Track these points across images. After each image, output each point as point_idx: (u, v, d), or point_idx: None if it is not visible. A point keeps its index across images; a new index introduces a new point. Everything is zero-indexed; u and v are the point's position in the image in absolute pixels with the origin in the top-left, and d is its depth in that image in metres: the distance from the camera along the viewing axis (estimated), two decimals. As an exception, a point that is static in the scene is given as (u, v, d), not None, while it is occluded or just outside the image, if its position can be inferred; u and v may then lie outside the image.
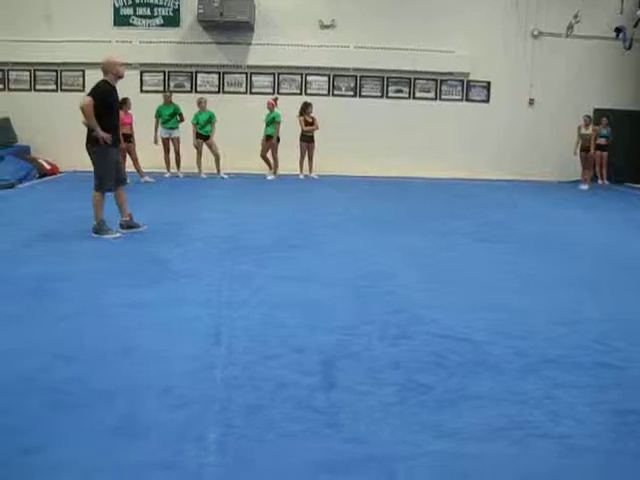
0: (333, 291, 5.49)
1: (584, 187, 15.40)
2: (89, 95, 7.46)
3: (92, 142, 7.54)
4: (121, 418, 3.11)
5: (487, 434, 3.08)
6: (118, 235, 7.66)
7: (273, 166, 14.78)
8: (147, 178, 13.20)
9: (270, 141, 14.52)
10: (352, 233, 8.31)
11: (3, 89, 16.11)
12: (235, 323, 4.56)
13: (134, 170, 12.98)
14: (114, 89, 7.69)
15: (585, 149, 15.58)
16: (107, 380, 3.54)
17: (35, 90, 16.13)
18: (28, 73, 16.12)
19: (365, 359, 3.95)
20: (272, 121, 14.48)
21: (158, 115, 14.02)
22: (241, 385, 3.51)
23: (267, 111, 14.56)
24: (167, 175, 14.10)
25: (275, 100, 14.73)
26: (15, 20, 15.34)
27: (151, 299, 5.11)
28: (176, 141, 14.11)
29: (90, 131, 7.53)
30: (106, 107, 7.49)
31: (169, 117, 14.03)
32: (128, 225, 7.91)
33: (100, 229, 7.59)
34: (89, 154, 7.68)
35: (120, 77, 7.73)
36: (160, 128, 14.01)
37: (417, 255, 7.17)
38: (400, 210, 10.68)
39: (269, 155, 14.72)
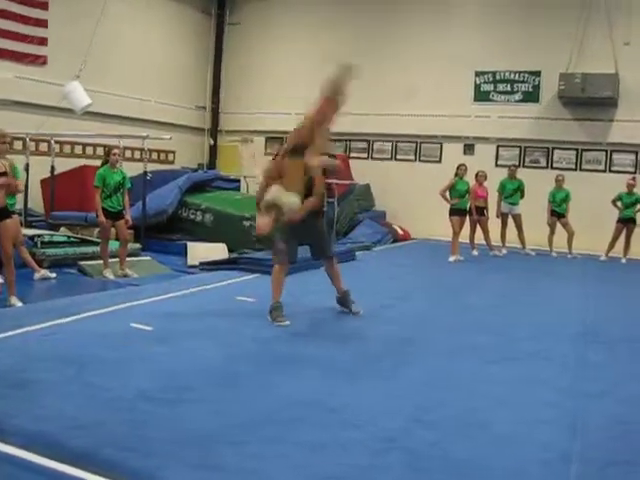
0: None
1: None
2: None
3: (319, 214, 7.10)
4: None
5: None
6: None
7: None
8: (496, 252, 13.30)
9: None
10: None
11: (367, 158, 17.56)
12: (592, 416, 4.31)
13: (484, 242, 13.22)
14: None
15: None
16: (463, 451, 3.57)
17: (395, 159, 17.32)
18: (390, 144, 17.38)
19: None
20: (637, 202, 13.52)
21: (502, 189, 13.69)
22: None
23: (624, 192, 13.66)
24: (491, 252, 13.34)
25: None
26: (380, 97, 16.69)
27: (503, 376, 5.08)
28: (517, 217, 13.71)
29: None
30: None
31: (512, 192, 13.70)
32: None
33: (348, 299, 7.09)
34: (316, 227, 6.95)
35: None
36: (502, 202, 13.64)
37: None
38: None
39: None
